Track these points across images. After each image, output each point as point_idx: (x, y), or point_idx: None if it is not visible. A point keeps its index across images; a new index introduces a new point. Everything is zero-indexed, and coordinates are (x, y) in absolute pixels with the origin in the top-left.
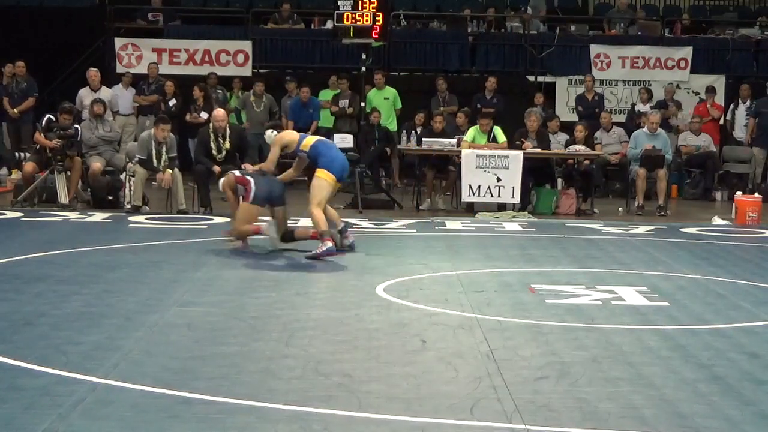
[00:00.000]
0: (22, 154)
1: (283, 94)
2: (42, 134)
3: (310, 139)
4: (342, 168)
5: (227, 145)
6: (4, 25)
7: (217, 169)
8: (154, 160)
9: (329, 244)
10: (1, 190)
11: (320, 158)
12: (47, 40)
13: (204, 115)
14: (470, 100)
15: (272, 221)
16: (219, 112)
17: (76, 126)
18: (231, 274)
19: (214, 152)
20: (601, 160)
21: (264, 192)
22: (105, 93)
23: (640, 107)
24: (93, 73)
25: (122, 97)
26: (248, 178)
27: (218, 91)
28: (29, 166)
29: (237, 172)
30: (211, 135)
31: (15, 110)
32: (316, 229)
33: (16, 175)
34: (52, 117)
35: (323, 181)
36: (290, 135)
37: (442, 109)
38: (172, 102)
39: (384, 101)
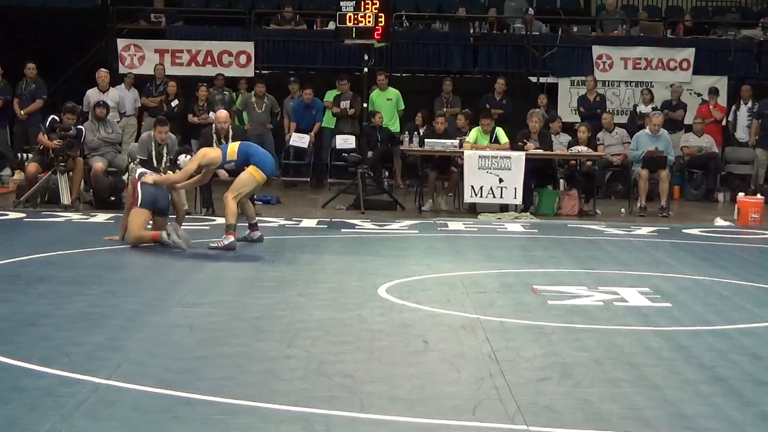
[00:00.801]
0: (26, 155)
1: (285, 95)
2: (45, 135)
3: (233, 146)
4: (272, 165)
5: None
6: (6, 26)
7: (223, 175)
8: (155, 161)
9: (231, 238)
10: (3, 191)
11: (251, 158)
12: (50, 40)
13: (211, 116)
14: (472, 101)
15: (171, 225)
16: (221, 113)
17: (79, 127)
18: (233, 275)
19: None
20: (603, 161)
21: (149, 197)
22: (113, 94)
23: (642, 108)
24: (103, 74)
25: (125, 98)
26: (139, 182)
27: (225, 92)
28: (32, 167)
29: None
30: (214, 136)
31: (22, 112)
32: (225, 220)
33: (18, 175)
34: (56, 117)
35: (252, 177)
36: (214, 151)
37: (444, 110)
38: (175, 103)
39: (387, 102)
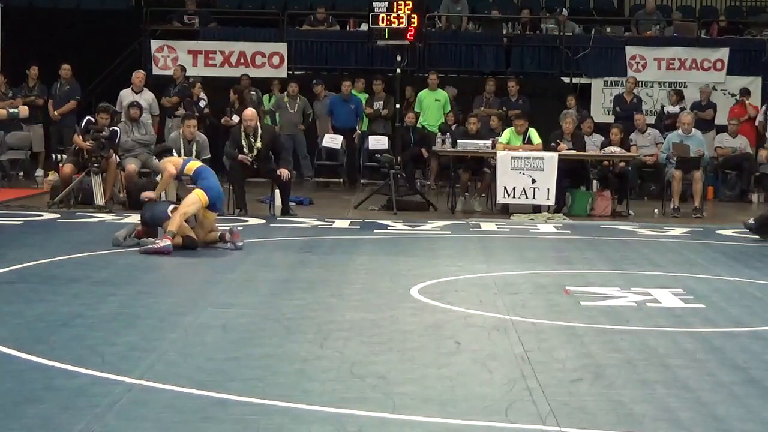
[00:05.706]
0: (60, 156)
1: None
2: (80, 136)
3: (194, 164)
4: (217, 196)
5: (258, 144)
6: (40, 28)
7: (244, 158)
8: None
9: (167, 241)
10: (37, 192)
11: (200, 181)
12: (84, 42)
13: (236, 118)
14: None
15: (129, 225)
16: (248, 111)
17: (113, 128)
18: (266, 276)
19: (246, 150)
20: (636, 161)
21: (148, 215)
22: (147, 95)
23: (670, 109)
24: (140, 75)
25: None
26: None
27: (252, 92)
28: (67, 168)
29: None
30: (243, 134)
31: (56, 113)
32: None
33: (52, 176)
34: (91, 119)
35: (196, 197)
36: (175, 161)
37: (482, 109)
38: (202, 103)
39: (435, 102)
